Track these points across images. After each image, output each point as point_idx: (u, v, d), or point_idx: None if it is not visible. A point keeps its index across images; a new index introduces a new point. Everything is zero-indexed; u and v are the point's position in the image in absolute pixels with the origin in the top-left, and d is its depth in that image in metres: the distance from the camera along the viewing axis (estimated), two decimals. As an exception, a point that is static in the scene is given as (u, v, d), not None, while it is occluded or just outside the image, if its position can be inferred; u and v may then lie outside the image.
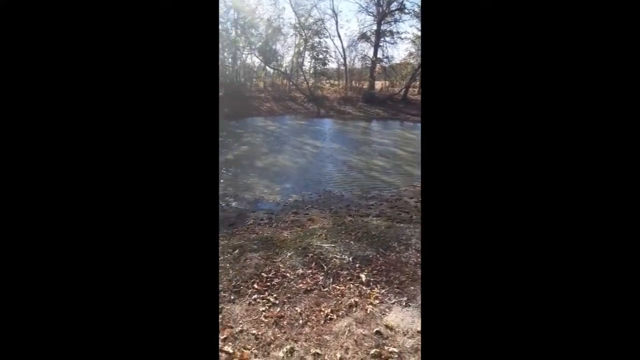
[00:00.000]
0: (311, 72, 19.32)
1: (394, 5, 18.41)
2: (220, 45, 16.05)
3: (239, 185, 5.49)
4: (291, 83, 18.92)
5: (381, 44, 19.20)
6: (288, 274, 2.44)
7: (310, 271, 2.51)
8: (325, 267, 2.57)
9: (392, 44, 19.55)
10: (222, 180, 5.72)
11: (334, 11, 18.79)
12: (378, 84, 20.15)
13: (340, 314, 2.04)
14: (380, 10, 18.53)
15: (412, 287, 2.37)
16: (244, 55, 18.24)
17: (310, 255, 2.77)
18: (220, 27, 15.64)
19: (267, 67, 18.74)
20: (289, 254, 2.76)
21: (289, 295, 2.19)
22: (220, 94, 14.73)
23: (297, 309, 2.06)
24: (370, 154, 8.14)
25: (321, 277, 2.43)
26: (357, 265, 2.65)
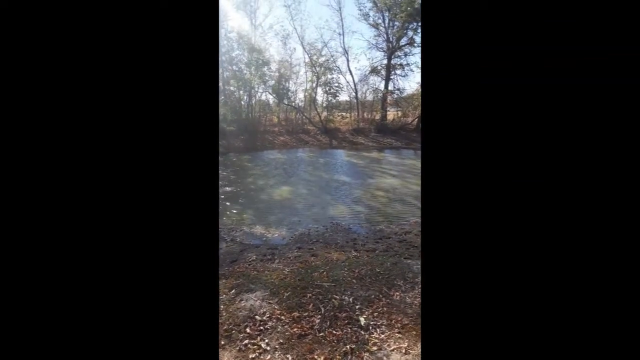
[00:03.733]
0: (324, 105, 19.95)
1: (403, 41, 19.16)
2: (236, 85, 17.01)
3: (245, 219, 5.52)
4: (304, 117, 19.55)
5: (392, 76, 19.76)
6: (283, 317, 2.35)
7: (306, 314, 2.40)
8: (322, 309, 2.46)
9: (403, 76, 20.21)
10: (227, 212, 5.78)
11: (344, 49, 19.74)
12: (390, 115, 20.47)
13: (334, 363, 1.91)
14: (390, 45, 19.29)
15: (415, 332, 2.21)
16: (258, 94, 19.22)
17: (309, 295, 2.67)
18: (234, 67, 16.70)
19: (281, 103, 19.54)
20: (286, 294, 2.68)
21: (281, 340, 2.08)
22: (234, 129, 15.36)
23: (288, 356, 1.95)
24: (381, 185, 8.07)
25: (318, 321, 2.31)
26: (357, 306, 2.52)
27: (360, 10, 19.07)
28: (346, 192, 7.32)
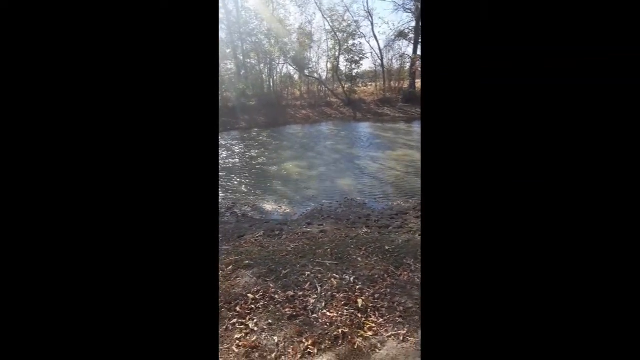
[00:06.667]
0: (347, 75, 19.06)
1: (433, -1, 17.42)
2: (257, 58, 16.64)
3: (259, 195, 5.46)
4: (327, 89, 18.87)
5: (421, 40, 18.26)
6: (277, 296, 2.24)
7: (302, 293, 2.27)
8: (320, 288, 2.32)
9: (433, 39, 18.42)
10: (240, 188, 5.75)
11: (368, 12, 18.41)
12: (419, 83, 19.18)
13: (323, 347, 1.77)
14: (419, 5, 17.67)
15: (417, 317, 2.00)
16: (279, 66, 18.68)
17: (307, 273, 2.54)
18: (253, 39, 16.23)
19: (302, 75, 18.92)
20: (284, 272, 2.56)
21: (270, 321, 1.98)
22: (255, 103, 15.20)
23: (275, 338, 1.84)
24: (403, 158, 7.64)
25: (312, 301, 2.18)
26: (357, 287, 2.35)
27: (386, -33, 17.36)
28: (365, 166, 7.01)
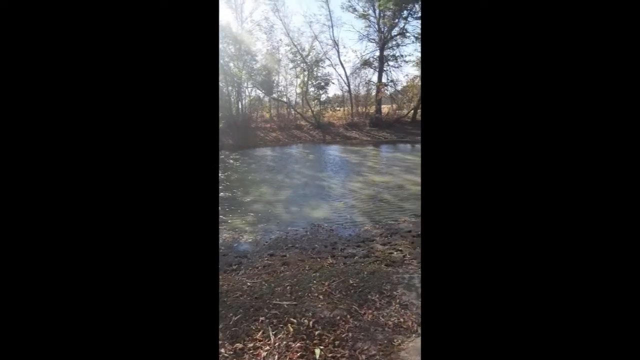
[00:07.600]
0: (315, 101, 19.37)
1: (395, 31, 18.56)
2: (224, 80, 16.51)
3: (221, 222, 5.09)
4: (296, 112, 19.01)
5: (385, 68, 19.18)
6: (223, 349, 1.94)
7: (252, 344, 1.99)
8: (273, 338, 2.05)
9: (397, 67, 19.52)
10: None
11: (334, 41, 19.10)
12: (385, 108, 19.91)
13: (271, 417, 1.50)
14: (382, 36, 18.70)
15: (381, 368, 1.80)
16: (247, 89, 18.64)
17: (261, 319, 2.26)
18: (221, 61, 16.13)
19: (271, 98, 19.00)
20: (235, 318, 2.26)
21: (211, 385, 1.67)
22: (223, 125, 14.88)
23: (214, 409, 1.53)
24: (372, 182, 7.65)
25: (264, 354, 1.90)
26: (316, 332, 2.11)
27: (349, 0, 18.31)
28: (333, 190, 6.90)
